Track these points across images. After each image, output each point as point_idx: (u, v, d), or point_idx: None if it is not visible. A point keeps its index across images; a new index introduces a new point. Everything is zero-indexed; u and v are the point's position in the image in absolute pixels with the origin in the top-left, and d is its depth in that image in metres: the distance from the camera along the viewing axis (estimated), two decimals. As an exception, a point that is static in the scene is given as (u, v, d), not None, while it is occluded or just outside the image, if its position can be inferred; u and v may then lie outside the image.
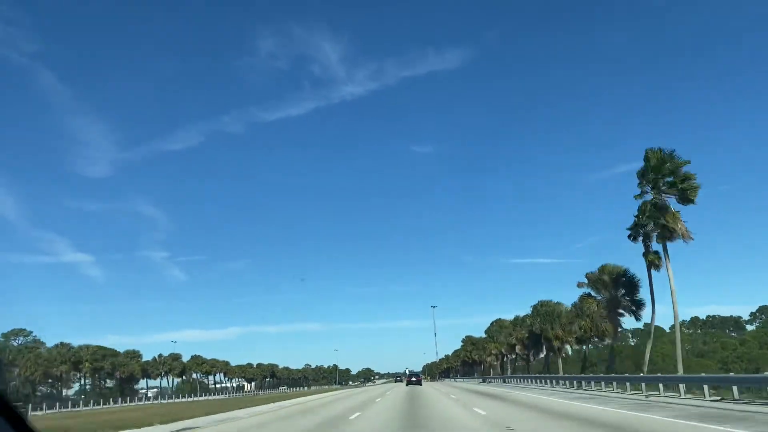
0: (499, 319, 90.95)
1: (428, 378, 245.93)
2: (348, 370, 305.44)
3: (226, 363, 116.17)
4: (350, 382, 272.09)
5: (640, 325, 72.44)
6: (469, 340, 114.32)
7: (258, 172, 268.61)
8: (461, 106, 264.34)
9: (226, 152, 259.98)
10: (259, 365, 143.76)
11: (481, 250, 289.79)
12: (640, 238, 41.57)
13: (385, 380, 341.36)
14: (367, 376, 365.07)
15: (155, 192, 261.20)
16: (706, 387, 23.37)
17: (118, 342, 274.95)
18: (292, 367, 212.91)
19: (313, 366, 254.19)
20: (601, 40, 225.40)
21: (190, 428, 22.57)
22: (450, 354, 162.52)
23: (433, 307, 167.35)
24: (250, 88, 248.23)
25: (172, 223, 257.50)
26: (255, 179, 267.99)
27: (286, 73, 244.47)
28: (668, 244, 39.63)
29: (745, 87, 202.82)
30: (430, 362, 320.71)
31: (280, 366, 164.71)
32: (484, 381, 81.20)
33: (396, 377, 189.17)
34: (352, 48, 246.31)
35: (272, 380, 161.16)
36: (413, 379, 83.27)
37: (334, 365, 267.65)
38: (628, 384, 31.94)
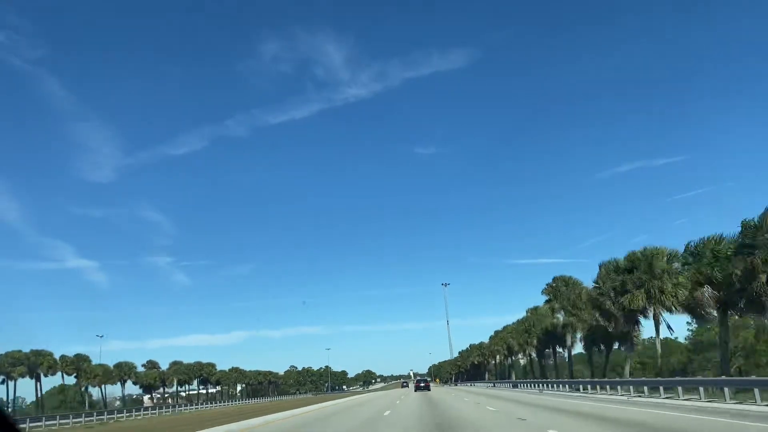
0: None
1: (438, 381, 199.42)
2: (344, 373, 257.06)
3: (81, 360, 67.34)
4: (344, 387, 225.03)
5: None
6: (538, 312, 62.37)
7: (262, 175, 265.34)
8: (465, 107, 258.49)
9: (230, 156, 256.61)
10: (176, 364, 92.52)
11: (487, 251, 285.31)
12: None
13: (383, 384, 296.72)
14: (366, 380, 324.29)
15: (159, 197, 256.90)
16: None
17: (122, 348, 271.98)
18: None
19: (300, 368, 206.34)
20: (604, 41, 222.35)
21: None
22: (478, 343, 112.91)
23: (445, 284, 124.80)
24: (254, 91, 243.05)
25: (176, 228, 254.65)
26: (259, 183, 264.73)
27: (290, 76, 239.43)
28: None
29: (747, 89, 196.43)
30: (439, 362, 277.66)
31: (225, 368, 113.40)
32: None
33: (402, 382, 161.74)
34: (356, 50, 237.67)
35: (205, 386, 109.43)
36: (421, 384, 73.61)
37: (326, 367, 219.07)
38: None
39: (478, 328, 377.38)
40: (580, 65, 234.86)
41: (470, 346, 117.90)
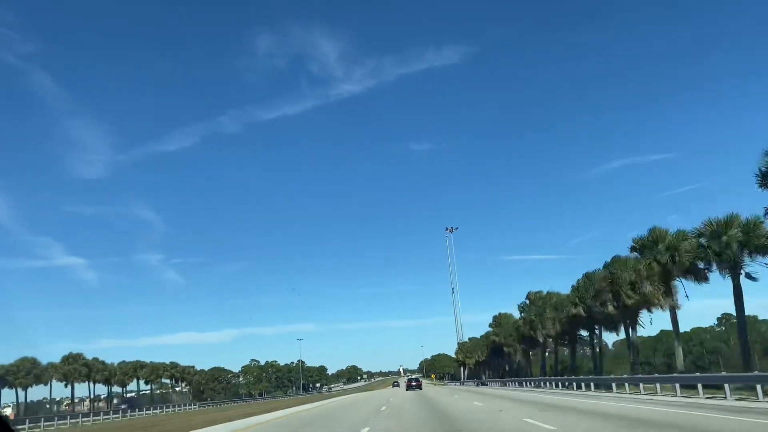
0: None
1: (433, 377, 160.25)
2: (323, 368, 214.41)
3: None
4: (319, 386, 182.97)
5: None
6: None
7: (255, 172, 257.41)
8: (459, 104, 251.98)
9: (223, 153, 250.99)
10: None
11: (481, 248, 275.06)
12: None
13: (366, 382, 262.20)
14: (351, 376, 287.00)
15: (151, 194, 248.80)
16: None
17: (112, 346, 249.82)
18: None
19: (263, 362, 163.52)
20: (599, 39, 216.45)
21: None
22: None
23: (451, 229, 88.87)
24: (248, 87, 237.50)
25: (168, 225, 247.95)
26: (252, 180, 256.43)
27: (283, 72, 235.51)
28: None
29: (738, 86, 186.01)
30: (432, 355, 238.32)
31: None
32: None
33: (394, 382, 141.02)
34: (351, 46, 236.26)
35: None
36: (413, 383, 66.77)
37: (299, 361, 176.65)
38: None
39: (470, 325, 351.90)
40: (573, 62, 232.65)
41: (530, 296, 62.31)
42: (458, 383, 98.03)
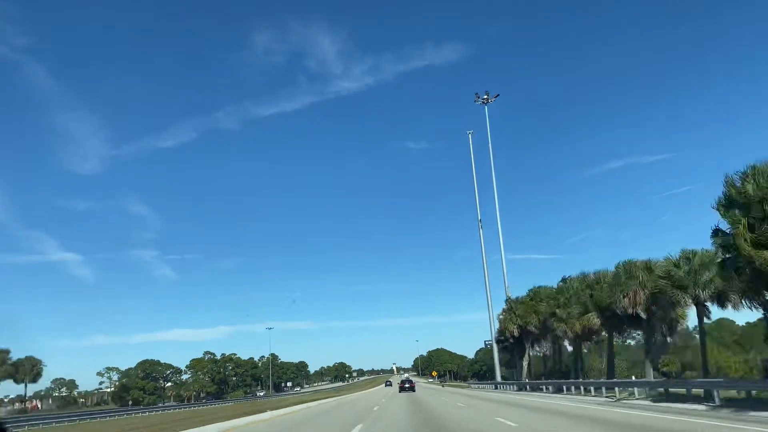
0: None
1: (435, 377, 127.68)
2: (302, 364, 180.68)
3: None
4: (290, 385, 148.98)
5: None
6: None
7: (251, 169, 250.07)
8: (457, 102, 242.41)
9: (219, 149, 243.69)
10: None
11: (477, 246, 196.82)
12: None
13: (344, 382, 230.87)
14: (339, 374, 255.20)
15: (146, 190, 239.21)
16: None
17: (106, 342, 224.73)
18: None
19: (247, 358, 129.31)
20: (595, 40, 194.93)
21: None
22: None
23: (485, 99, 58.04)
24: (245, 83, 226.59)
25: (163, 221, 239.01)
26: (247, 176, 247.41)
27: (281, 68, 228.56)
28: None
29: (733, 88, 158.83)
30: (430, 351, 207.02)
31: None
32: None
33: (386, 381, 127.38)
34: (350, 43, 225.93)
35: None
36: (406, 385, 60.52)
37: (271, 355, 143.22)
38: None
39: (466, 325, 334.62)
40: (571, 63, 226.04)
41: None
42: (504, 385, 54.63)
